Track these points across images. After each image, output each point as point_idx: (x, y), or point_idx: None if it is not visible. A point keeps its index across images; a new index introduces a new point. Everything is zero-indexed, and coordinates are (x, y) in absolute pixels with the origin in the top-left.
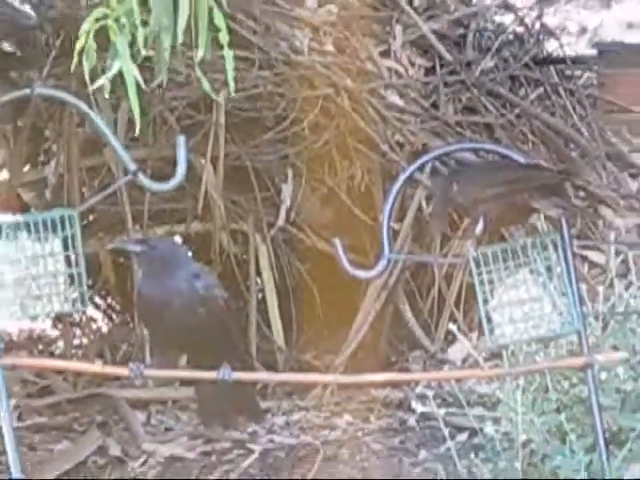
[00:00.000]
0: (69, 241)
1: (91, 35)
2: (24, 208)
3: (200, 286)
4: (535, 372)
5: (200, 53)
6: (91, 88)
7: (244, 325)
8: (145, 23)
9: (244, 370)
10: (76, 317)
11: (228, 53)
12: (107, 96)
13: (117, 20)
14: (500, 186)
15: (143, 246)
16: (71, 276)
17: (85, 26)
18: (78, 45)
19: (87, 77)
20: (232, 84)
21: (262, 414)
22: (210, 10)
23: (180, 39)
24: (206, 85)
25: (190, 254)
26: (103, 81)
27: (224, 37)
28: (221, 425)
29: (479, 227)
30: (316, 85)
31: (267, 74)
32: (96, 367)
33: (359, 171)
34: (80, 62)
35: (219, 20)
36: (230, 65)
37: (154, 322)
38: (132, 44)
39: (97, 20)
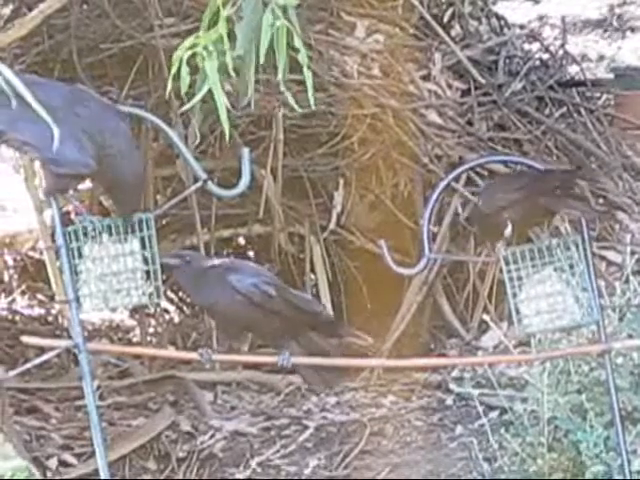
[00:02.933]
0: (146, 241)
1: (184, 62)
2: (105, 213)
3: (233, 279)
4: (559, 357)
5: (280, 73)
6: (185, 109)
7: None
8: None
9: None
10: (151, 308)
11: (307, 73)
12: (197, 114)
13: (206, 48)
14: (519, 191)
15: (180, 260)
16: (147, 272)
17: (178, 54)
18: (172, 71)
19: (184, 98)
20: (312, 98)
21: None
22: (289, 34)
23: (262, 61)
24: (290, 99)
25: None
26: (195, 102)
27: (304, 58)
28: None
29: (508, 230)
30: (364, 105)
31: (321, 95)
32: (169, 352)
33: (402, 181)
34: (175, 85)
35: (298, 42)
36: (310, 82)
37: (212, 318)
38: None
39: (189, 48)
